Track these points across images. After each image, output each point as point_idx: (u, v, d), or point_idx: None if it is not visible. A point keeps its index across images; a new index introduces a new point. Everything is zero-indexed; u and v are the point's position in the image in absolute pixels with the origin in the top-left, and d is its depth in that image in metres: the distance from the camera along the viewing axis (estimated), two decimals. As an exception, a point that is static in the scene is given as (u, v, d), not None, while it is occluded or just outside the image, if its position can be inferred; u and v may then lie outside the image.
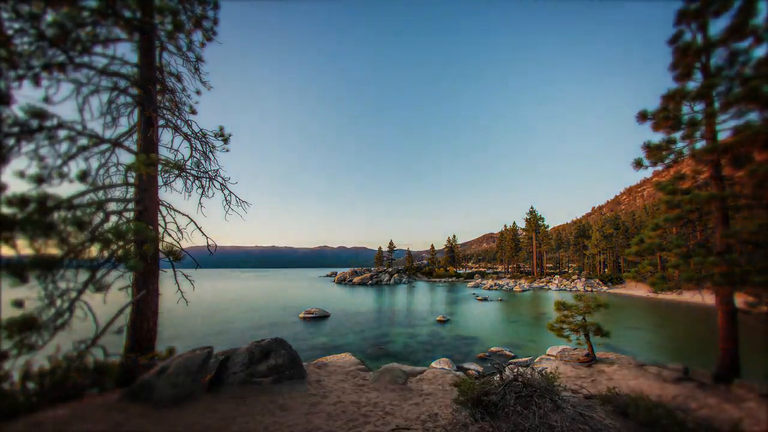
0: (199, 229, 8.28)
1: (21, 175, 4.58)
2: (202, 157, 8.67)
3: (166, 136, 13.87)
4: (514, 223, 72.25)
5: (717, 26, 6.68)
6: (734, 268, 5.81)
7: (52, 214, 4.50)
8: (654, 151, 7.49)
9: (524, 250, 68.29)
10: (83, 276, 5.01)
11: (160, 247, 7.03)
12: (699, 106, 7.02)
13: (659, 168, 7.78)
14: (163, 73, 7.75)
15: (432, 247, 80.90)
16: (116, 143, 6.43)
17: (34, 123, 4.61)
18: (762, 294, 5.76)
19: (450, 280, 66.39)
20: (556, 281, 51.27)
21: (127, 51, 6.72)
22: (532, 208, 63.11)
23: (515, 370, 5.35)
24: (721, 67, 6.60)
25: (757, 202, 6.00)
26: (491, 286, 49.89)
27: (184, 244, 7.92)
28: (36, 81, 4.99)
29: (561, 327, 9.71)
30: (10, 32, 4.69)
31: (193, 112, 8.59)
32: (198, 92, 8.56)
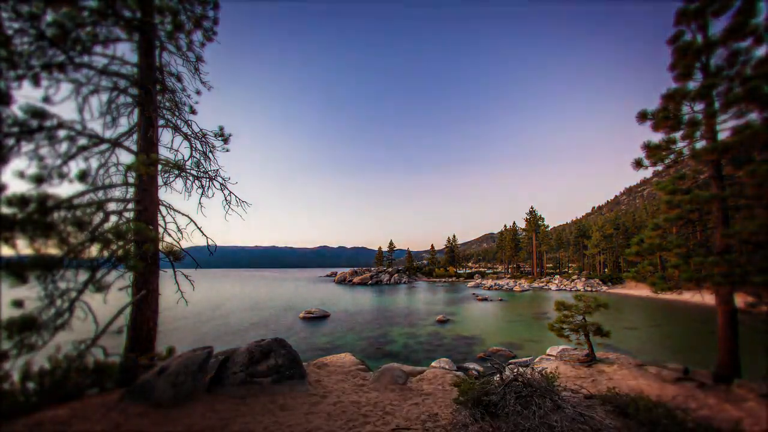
0: (199, 229, 8.28)
1: (21, 175, 4.57)
2: (202, 157, 8.68)
3: (166, 136, 13.86)
4: (514, 223, 72.28)
5: (717, 26, 6.70)
6: (734, 268, 5.80)
7: (52, 214, 4.50)
8: (654, 151, 7.48)
9: (524, 250, 68.27)
10: (83, 276, 5.01)
11: (160, 247, 7.03)
12: (699, 106, 7.01)
13: (659, 168, 7.78)
14: (163, 73, 7.74)
15: (432, 247, 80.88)
16: (116, 143, 6.43)
17: (34, 123, 4.61)
18: (762, 294, 5.75)
19: (450, 280, 66.40)
20: (556, 281, 51.25)
21: (127, 51, 6.73)
22: (532, 208, 63.14)
23: (515, 370, 5.35)
24: (721, 67, 6.60)
25: (757, 202, 6.00)
26: (491, 286, 49.91)
27: (184, 244, 7.93)
28: (36, 81, 4.98)
29: (561, 327, 9.70)
30: (10, 32, 4.69)
31: (193, 112, 8.60)
32: (198, 92, 8.57)
